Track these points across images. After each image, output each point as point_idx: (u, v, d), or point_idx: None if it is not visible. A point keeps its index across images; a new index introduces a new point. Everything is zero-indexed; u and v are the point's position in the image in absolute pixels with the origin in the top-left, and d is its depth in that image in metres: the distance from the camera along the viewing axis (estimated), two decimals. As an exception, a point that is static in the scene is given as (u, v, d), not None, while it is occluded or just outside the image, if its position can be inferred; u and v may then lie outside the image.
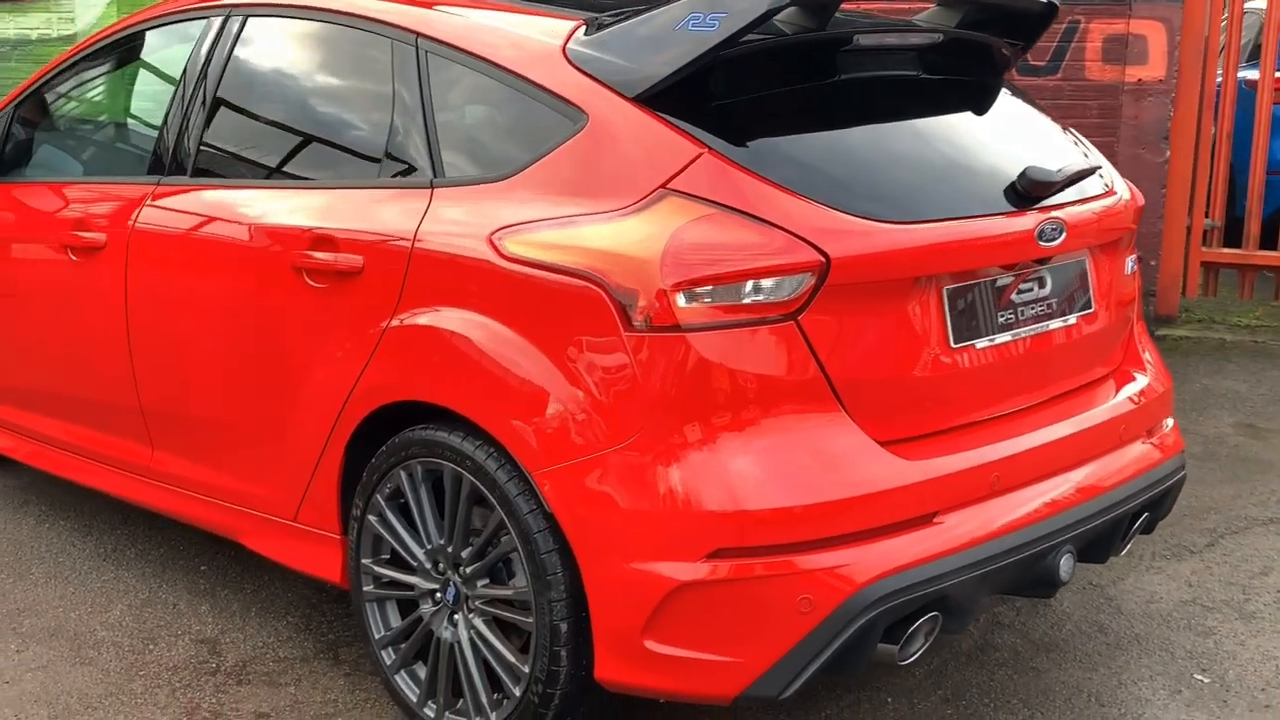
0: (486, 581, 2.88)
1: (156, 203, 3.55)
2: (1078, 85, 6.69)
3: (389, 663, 3.08)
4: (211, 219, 3.41)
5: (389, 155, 3.11)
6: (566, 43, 2.90)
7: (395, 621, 3.09)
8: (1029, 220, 2.87)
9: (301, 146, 3.42)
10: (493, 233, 2.79)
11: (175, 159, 3.59)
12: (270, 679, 3.30)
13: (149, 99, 4.06)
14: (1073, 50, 6.69)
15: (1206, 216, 6.98)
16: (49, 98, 4.25)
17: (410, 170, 3.06)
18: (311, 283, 3.11)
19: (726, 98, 2.82)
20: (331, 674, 3.34)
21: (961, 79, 3.29)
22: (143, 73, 4.12)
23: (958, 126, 3.16)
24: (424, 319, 2.89)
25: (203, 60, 3.59)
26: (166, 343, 3.52)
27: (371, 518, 3.06)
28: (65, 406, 4.00)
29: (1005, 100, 3.32)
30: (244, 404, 3.34)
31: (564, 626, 2.71)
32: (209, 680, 3.29)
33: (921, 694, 3.25)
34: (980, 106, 3.26)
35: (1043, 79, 6.58)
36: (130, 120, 4.23)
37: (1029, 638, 3.54)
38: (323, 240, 3.09)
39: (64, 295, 3.85)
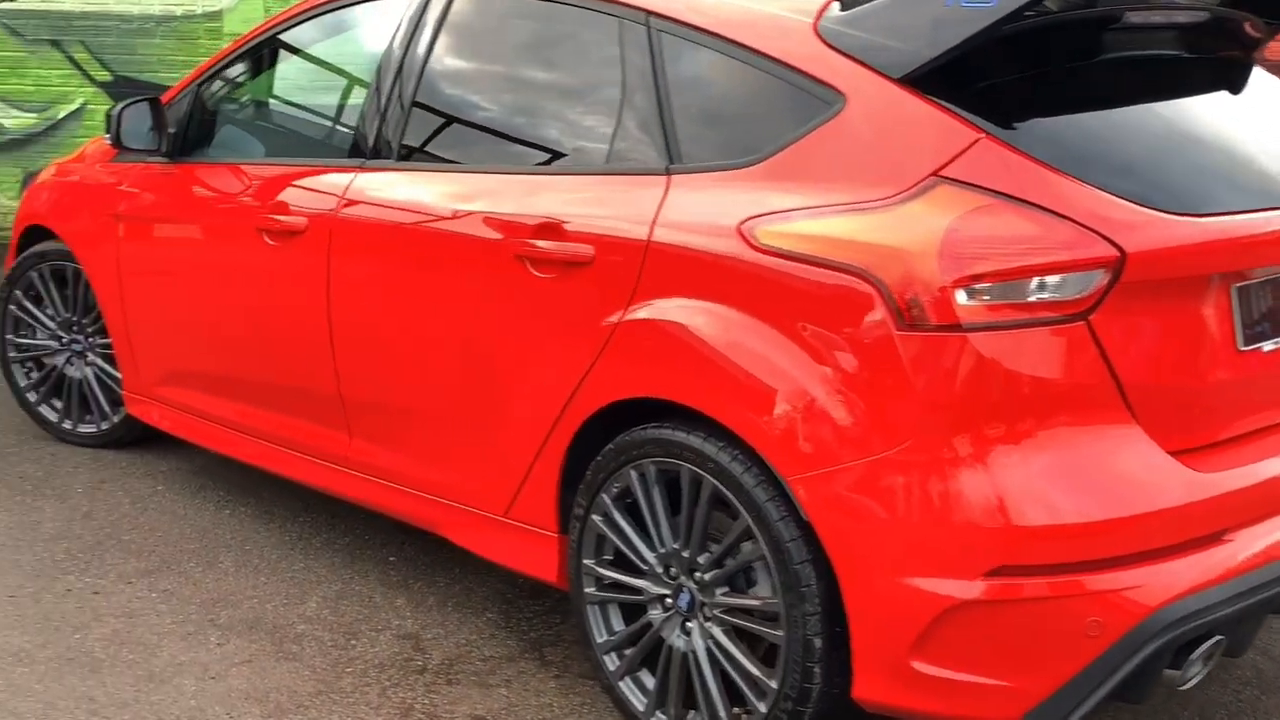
0: (726, 589, 2.73)
1: (361, 187, 3.43)
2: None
3: (612, 668, 2.95)
4: (423, 205, 3.28)
5: (619, 140, 2.96)
6: (819, 19, 2.74)
7: (619, 625, 2.96)
8: (1320, 213, 2.66)
9: (519, 131, 3.27)
10: (742, 222, 2.63)
11: (378, 143, 3.46)
12: (480, 679, 3.19)
13: (344, 79, 3.95)
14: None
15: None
16: (233, 77, 4.15)
17: (643, 156, 2.90)
18: (536, 273, 2.97)
19: (996, 78, 2.63)
20: (541, 675, 3.22)
21: (1219, 59, 3.07)
22: (337, 52, 4.00)
23: (1227, 109, 2.94)
24: (663, 312, 2.74)
25: (407, 39, 3.45)
26: (372, 330, 3.41)
27: (596, 517, 2.93)
28: (251, 391, 3.91)
29: (1263, 82, 3.10)
30: (455, 395, 3.22)
31: (818, 641, 2.56)
32: (418, 679, 3.19)
33: (1166, 714, 3.05)
34: (1241, 88, 3.04)
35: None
36: (324, 102, 4.10)
37: (1270, 655, 3.33)
38: (549, 228, 2.95)
39: (256, 278, 3.75)
